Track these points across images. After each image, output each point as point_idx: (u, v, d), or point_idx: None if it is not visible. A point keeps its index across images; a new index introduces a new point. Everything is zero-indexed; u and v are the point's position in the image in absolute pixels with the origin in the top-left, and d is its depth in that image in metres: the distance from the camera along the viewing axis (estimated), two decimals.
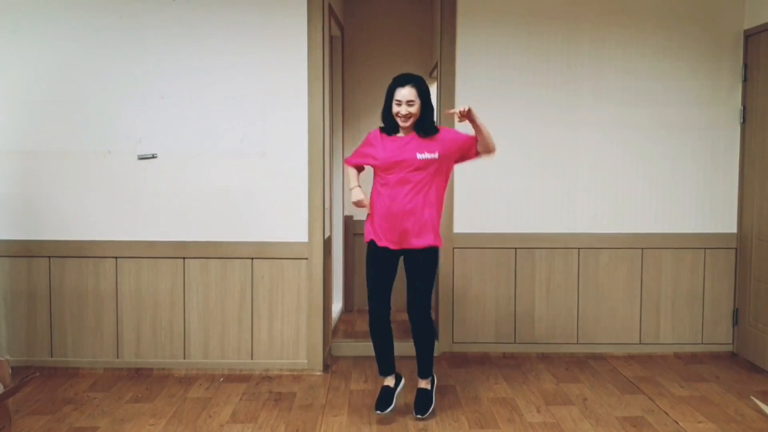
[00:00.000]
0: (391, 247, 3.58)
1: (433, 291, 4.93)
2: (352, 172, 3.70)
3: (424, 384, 3.73)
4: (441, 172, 3.57)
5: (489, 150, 3.58)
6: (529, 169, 4.66)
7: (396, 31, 6.23)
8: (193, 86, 4.30)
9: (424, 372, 3.72)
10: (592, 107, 4.63)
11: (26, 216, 4.35)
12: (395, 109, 3.51)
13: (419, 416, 3.62)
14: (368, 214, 3.65)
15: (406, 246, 3.56)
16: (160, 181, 4.33)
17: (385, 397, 3.68)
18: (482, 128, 3.49)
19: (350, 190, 3.65)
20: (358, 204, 3.60)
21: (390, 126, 3.60)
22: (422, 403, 3.66)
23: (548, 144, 4.65)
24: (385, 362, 3.74)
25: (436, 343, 4.69)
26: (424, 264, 3.59)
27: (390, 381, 3.74)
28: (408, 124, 3.52)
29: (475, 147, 3.59)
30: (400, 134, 3.60)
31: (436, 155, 3.51)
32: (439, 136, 3.57)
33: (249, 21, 4.27)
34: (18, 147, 4.33)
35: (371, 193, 3.66)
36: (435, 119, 3.69)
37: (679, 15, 4.62)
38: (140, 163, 4.33)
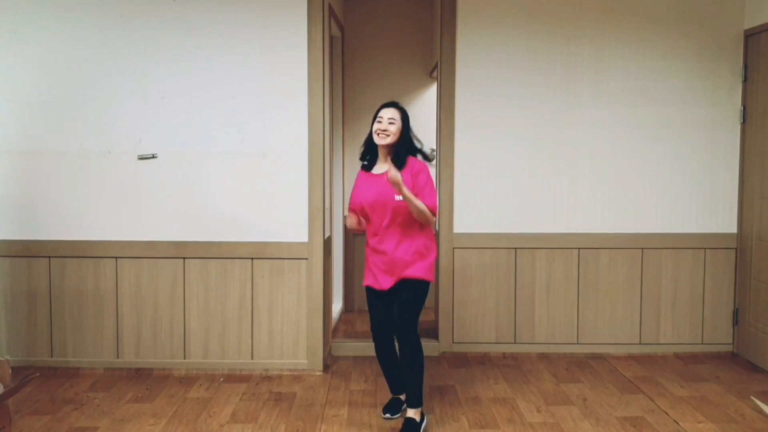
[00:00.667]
0: (386, 285, 3.49)
1: (433, 291, 4.98)
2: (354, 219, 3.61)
3: (412, 414, 3.50)
4: None
5: (423, 221, 3.41)
6: (529, 169, 4.66)
7: (396, 31, 6.23)
8: (193, 86, 4.30)
9: (411, 401, 3.50)
10: (592, 107, 4.64)
11: (26, 216, 4.35)
12: (375, 126, 3.47)
13: None
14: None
15: (398, 277, 3.49)
16: (160, 181, 4.33)
17: (394, 404, 3.71)
18: (408, 200, 3.33)
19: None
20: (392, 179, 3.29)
21: (369, 150, 3.55)
22: None
23: (548, 144, 4.65)
24: (395, 381, 3.73)
25: (435, 343, 4.72)
26: (408, 294, 3.48)
27: (401, 396, 3.75)
28: (385, 142, 3.44)
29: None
30: (378, 167, 3.53)
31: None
32: (413, 169, 3.45)
33: (249, 21, 4.27)
34: (18, 147, 4.33)
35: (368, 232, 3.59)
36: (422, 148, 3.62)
37: (679, 15, 4.62)
38: (140, 163, 4.33)
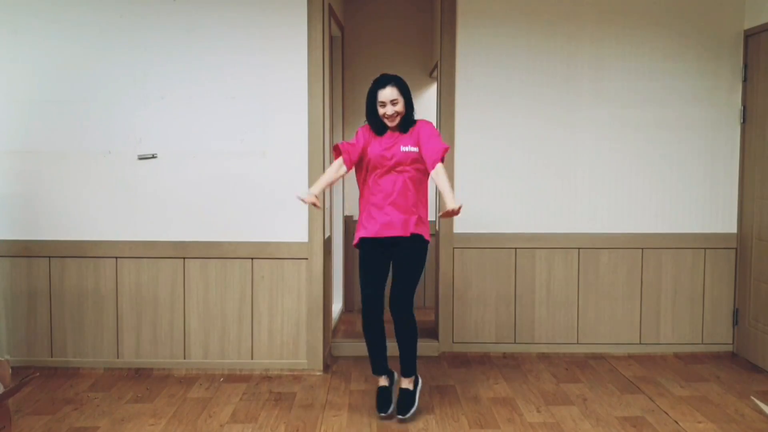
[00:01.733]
0: (381, 234, 3.53)
1: (433, 291, 4.98)
2: (328, 174, 3.61)
3: (406, 383, 3.70)
4: (423, 169, 3.57)
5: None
6: (529, 169, 4.66)
7: (396, 31, 6.23)
8: (193, 86, 4.30)
9: (407, 370, 3.70)
10: (592, 107, 4.63)
11: (26, 216, 4.35)
12: (381, 110, 3.54)
13: (400, 417, 3.59)
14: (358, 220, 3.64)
15: (395, 232, 3.53)
16: (160, 181, 4.33)
17: (384, 398, 3.69)
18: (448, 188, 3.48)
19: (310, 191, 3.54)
20: (308, 200, 3.46)
21: (377, 128, 3.61)
22: (404, 404, 3.63)
23: (548, 144, 4.65)
24: (379, 360, 3.73)
25: (435, 343, 4.72)
26: (410, 254, 3.58)
27: (384, 381, 3.75)
28: (396, 123, 3.55)
29: (430, 163, 3.48)
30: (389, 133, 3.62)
31: (416, 149, 3.54)
32: (416, 128, 3.58)
33: (249, 21, 4.27)
34: (18, 147, 4.33)
35: (361, 198, 3.66)
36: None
37: (679, 15, 4.62)
38: (140, 163, 4.33)
